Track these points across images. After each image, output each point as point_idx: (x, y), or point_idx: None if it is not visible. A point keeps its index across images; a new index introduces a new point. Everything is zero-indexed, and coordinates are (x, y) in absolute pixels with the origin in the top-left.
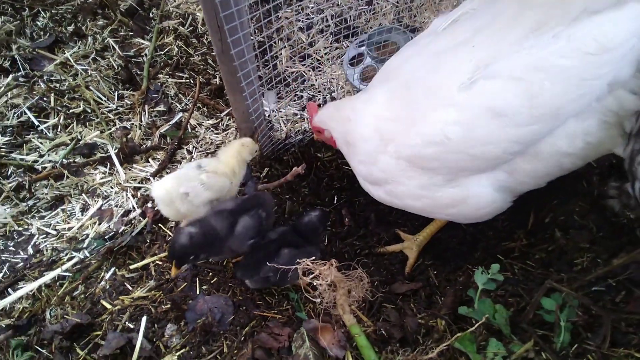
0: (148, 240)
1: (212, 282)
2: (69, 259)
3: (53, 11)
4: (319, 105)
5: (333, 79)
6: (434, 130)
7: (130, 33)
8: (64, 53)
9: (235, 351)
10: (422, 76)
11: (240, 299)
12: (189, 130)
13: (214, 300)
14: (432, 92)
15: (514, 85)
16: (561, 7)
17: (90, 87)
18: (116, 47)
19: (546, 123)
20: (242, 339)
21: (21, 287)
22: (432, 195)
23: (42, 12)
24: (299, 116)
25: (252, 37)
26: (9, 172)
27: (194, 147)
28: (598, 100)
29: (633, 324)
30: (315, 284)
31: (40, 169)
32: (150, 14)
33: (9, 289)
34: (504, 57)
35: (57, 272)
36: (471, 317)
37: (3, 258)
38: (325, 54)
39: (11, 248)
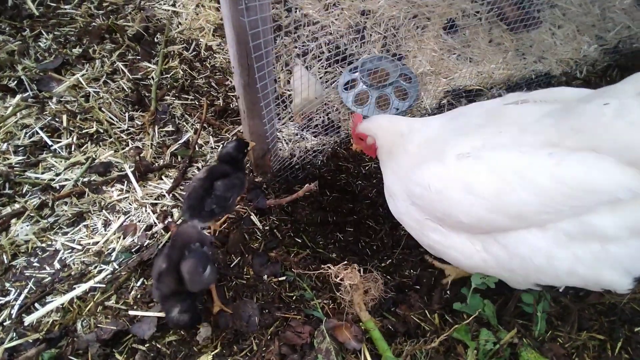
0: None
1: (236, 289)
2: (99, 272)
3: (56, 33)
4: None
5: (329, 101)
6: (424, 176)
7: (137, 57)
8: (72, 75)
9: (263, 348)
10: (454, 129)
11: (262, 303)
12: (197, 149)
13: (241, 305)
14: (446, 147)
15: (494, 175)
16: (579, 137)
17: (103, 109)
18: (125, 71)
19: (509, 219)
20: (269, 337)
21: (51, 301)
22: (419, 228)
23: (44, 34)
24: (298, 136)
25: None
26: (24, 190)
27: (203, 165)
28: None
29: (594, 313)
30: (342, 285)
31: (57, 187)
32: (155, 39)
33: (36, 304)
34: (502, 149)
35: (90, 284)
36: (464, 311)
37: (27, 274)
38: (320, 77)
39: (36, 264)
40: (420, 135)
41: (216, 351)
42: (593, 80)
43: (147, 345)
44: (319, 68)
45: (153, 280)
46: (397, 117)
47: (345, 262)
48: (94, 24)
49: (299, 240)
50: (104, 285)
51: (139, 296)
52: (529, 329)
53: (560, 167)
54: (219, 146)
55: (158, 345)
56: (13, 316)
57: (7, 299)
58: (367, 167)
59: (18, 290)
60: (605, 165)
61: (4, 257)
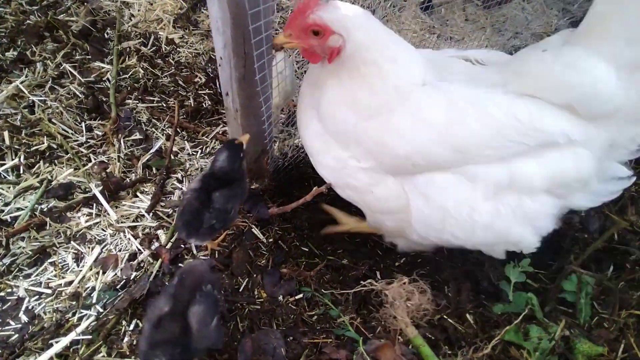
0: (167, 284)
1: (250, 317)
2: (80, 319)
3: None
4: None
5: None
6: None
7: (87, 56)
8: (9, 83)
9: None
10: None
11: (284, 330)
12: (172, 157)
13: (261, 337)
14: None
15: (449, 105)
16: (521, 80)
17: (53, 120)
18: (75, 73)
19: (451, 153)
20: None
21: None
22: (340, 168)
23: None
24: (284, 132)
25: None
26: None
27: (182, 175)
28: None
29: (631, 288)
30: (386, 303)
31: (8, 220)
32: (106, 35)
33: None
34: (460, 83)
35: (71, 336)
36: (508, 312)
37: None
38: (299, 67)
39: None
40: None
41: None
42: None
43: None
44: (295, 57)
45: (146, 324)
46: (386, 29)
47: (394, 279)
48: (28, 21)
49: (306, 249)
50: (89, 336)
51: (134, 342)
52: (573, 316)
53: (514, 103)
54: (196, 152)
55: None
56: None
57: None
58: None
59: None
60: (552, 109)
61: None
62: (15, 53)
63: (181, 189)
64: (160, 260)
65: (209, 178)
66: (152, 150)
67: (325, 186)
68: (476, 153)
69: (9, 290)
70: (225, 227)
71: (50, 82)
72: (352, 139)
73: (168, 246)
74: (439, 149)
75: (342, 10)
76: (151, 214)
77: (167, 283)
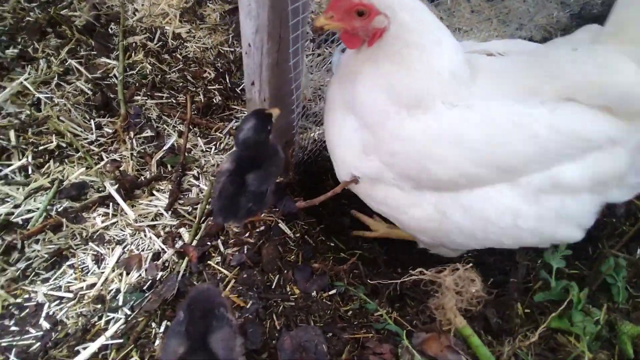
0: (196, 283)
1: (285, 314)
2: (107, 323)
3: None
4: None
5: (322, 85)
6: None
7: (92, 52)
8: (12, 81)
9: None
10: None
11: (322, 326)
12: (186, 154)
13: (300, 333)
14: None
15: (487, 125)
16: (558, 83)
17: (62, 118)
18: (81, 69)
19: (495, 173)
20: None
21: None
22: (370, 184)
23: None
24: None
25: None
26: None
27: (199, 172)
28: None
29: None
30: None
31: (20, 222)
32: (110, 30)
33: None
34: (492, 98)
35: (100, 340)
36: (550, 299)
37: (4, 344)
38: (309, 61)
39: (13, 328)
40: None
41: None
42: None
43: None
44: (308, 50)
45: None
46: (426, 8)
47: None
48: (28, 18)
49: (332, 244)
50: (120, 340)
51: None
52: (610, 300)
53: (555, 116)
54: (210, 148)
55: None
56: None
57: None
58: None
59: None
60: (592, 113)
61: None
62: (16, 50)
63: (198, 185)
64: (186, 259)
65: (240, 157)
66: (165, 148)
67: (353, 180)
68: (521, 170)
69: (27, 296)
70: (263, 208)
71: (56, 79)
72: (388, 134)
73: (194, 244)
74: (483, 170)
75: None
76: (170, 212)
77: (195, 282)
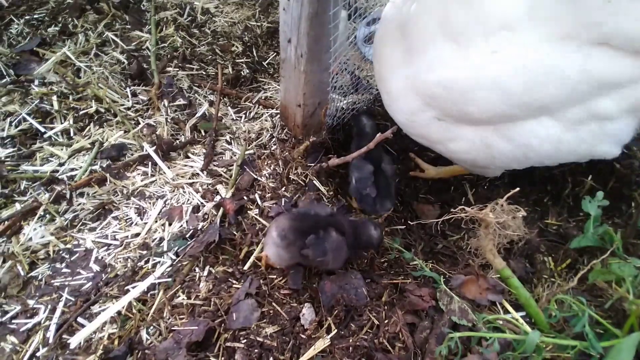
0: (235, 233)
1: None
2: (154, 266)
3: (27, 17)
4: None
5: (347, 59)
6: (444, 75)
7: (127, 26)
8: (54, 53)
9: (385, 321)
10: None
11: (361, 272)
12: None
13: (340, 278)
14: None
15: (524, 70)
16: (594, 30)
17: (100, 85)
18: (118, 40)
19: (529, 112)
20: (386, 307)
21: (100, 311)
22: (426, 124)
23: (15, 20)
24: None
25: None
26: (22, 187)
27: (231, 137)
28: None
29: None
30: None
31: (66, 179)
32: (142, 6)
33: (80, 318)
34: (528, 43)
35: (150, 280)
36: (585, 245)
37: (56, 284)
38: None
39: (65, 270)
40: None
41: (332, 333)
42: None
43: (245, 340)
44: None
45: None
46: None
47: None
48: (69, 0)
49: None
50: (168, 279)
51: (211, 287)
52: None
53: (588, 61)
54: (239, 117)
55: (259, 338)
56: (50, 340)
57: (37, 319)
58: None
59: (49, 306)
60: (621, 57)
61: (19, 268)
62: (57, 28)
63: (231, 150)
64: (221, 210)
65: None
66: (197, 115)
67: (389, 131)
68: (558, 109)
69: (75, 242)
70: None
71: (94, 49)
72: (427, 64)
73: (227, 197)
74: (518, 111)
75: None
76: (205, 172)
77: (235, 232)
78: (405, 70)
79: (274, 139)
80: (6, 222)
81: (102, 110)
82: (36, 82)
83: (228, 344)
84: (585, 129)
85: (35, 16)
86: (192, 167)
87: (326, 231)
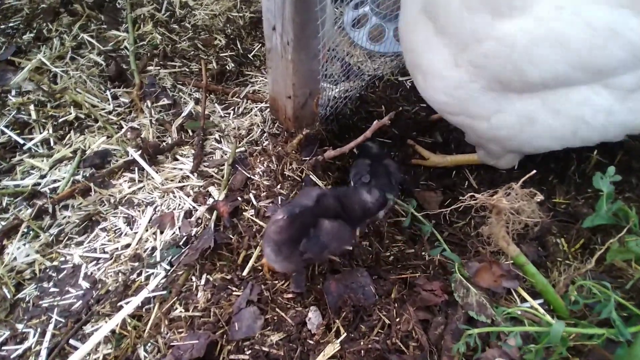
0: (232, 237)
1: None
2: (147, 278)
3: (2, 26)
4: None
5: (336, 46)
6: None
7: (102, 26)
8: (29, 61)
9: (397, 319)
10: None
11: (366, 268)
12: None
13: (345, 277)
14: None
15: (590, 29)
16: None
17: (78, 90)
18: (93, 42)
19: (589, 74)
20: (396, 305)
21: (93, 331)
22: (467, 91)
23: None
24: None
25: None
26: (4, 204)
27: (220, 136)
28: None
29: None
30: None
31: (47, 192)
32: (118, 4)
33: (72, 340)
34: (594, 4)
35: (144, 294)
36: (599, 224)
37: (45, 305)
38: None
39: (53, 289)
40: None
41: (342, 337)
42: None
43: (250, 351)
44: None
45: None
46: None
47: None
48: (43, 5)
49: None
50: (163, 292)
51: (209, 297)
52: None
53: None
54: (228, 114)
55: (264, 348)
56: None
57: (27, 344)
58: (399, 109)
59: (39, 330)
60: None
61: (5, 290)
62: (32, 35)
63: (221, 148)
64: (215, 213)
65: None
66: (184, 114)
67: (387, 118)
68: (614, 73)
69: (62, 259)
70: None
71: (69, 53)
72: (471, 36)
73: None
74: (578, 73)
75: None
76: (196, 174)
77: (231, 235)
78: (443, 48)
79: (265, 134)
80: None
81: (82, 116)
82: (13, 93)
83: (232, 356)
84: (634, 97)
85: (10, 24)
86: (181, 169)
87: (315, 226)
